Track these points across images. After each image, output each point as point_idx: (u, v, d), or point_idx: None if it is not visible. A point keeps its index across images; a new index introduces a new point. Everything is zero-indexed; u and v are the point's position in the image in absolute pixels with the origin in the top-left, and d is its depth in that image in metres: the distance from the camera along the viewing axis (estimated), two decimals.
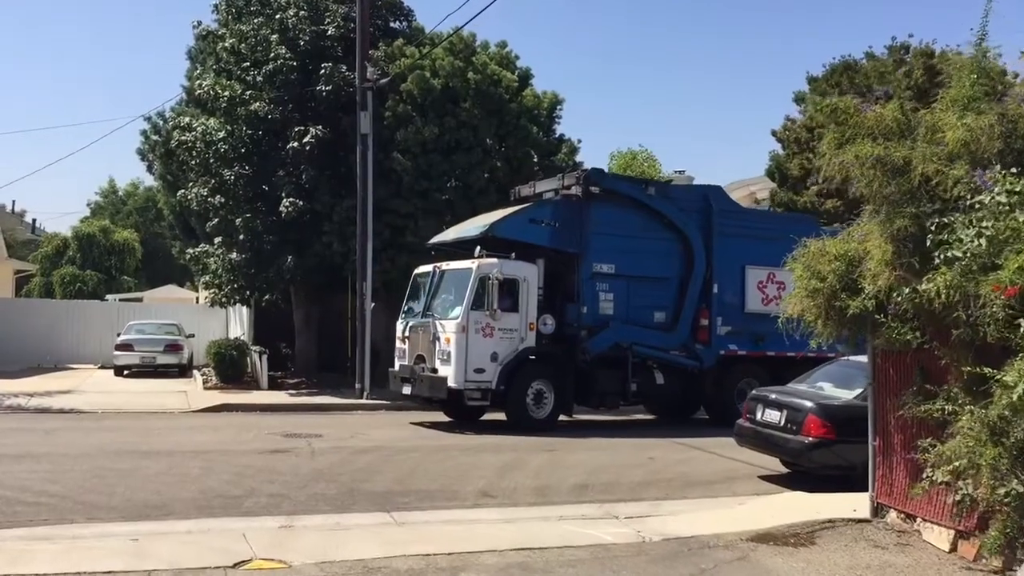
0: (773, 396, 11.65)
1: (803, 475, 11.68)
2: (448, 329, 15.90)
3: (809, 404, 11.02)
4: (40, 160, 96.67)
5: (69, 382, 23.68)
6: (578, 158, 24.76)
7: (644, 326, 17.26)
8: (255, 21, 22.76)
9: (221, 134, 22.71)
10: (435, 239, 18.88)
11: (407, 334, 17.15)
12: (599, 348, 16.70)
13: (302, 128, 21.88)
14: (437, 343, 16.10)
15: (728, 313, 17.88)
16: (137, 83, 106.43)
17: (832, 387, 11.61)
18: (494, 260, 16.07)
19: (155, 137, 30.25)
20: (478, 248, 16.32)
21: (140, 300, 39.91)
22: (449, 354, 15.73)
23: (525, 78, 23.79)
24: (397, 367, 17.46)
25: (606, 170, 21.92)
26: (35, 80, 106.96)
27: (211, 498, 9.84)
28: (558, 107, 24.13)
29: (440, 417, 17.17)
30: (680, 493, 10.94)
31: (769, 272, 18.03)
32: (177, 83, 50.64)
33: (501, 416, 16.44)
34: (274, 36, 22.41)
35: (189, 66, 29.29)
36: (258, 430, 15.33)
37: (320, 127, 21.86)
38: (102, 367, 29.23)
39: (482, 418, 16.91)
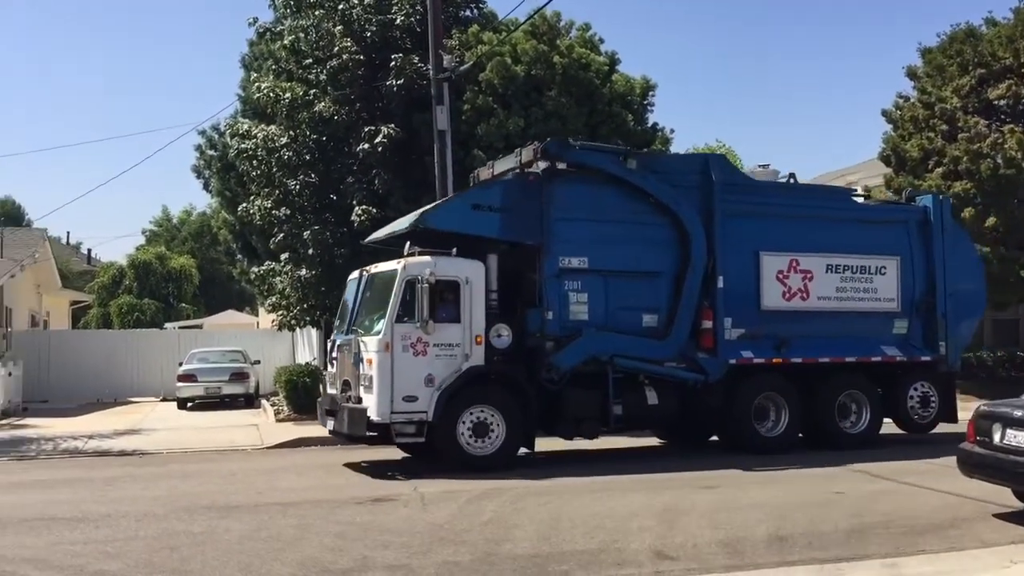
0: (1019, 413, 9.05)
1: None
2: (370, 348, 12.68)
3: None
4: (90, 183, 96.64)
5: (130, 418, 21.81)
6: (674, 149, 22.39)
7: (629, 333, 13.66)
8: (316, 14, 20.73)
9: (283, 140, 20.72)
10: (371, 237, 15.88)
11: (334, 355, 14.02)
12: (570, 363, 13.23)
13: (372, 128, 19.74)
14: (360, 366, 12.86)
15: (740, 312, 14.19)
16: (189, 102, 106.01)
17: None
18: (426, 259, 12.96)
19: (211, 152, 28.49)
20: (408, 244, 13.41)
21: (200, 327, 38.29)
22: (372, 379, 12.58)
23: (612, 63, 21.45)
24: (322, 396, 14.41)
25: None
26: (80, 100, 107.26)
27: (315, 574, 7.56)
28: (650, 93, 21.76)
29: (557, 444, 14.57)
30: (912, 545, 8.38)
31: (792, 259, 14.57)
32: (230, 96, 49.16)
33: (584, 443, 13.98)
34: (337, 28, 20.34)
35: (243, 75, 27.49)
36: (348, 471, 13.10)
37: (392, 126, 19.70)
38: (164, 399, 27.46)
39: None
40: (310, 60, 20.87)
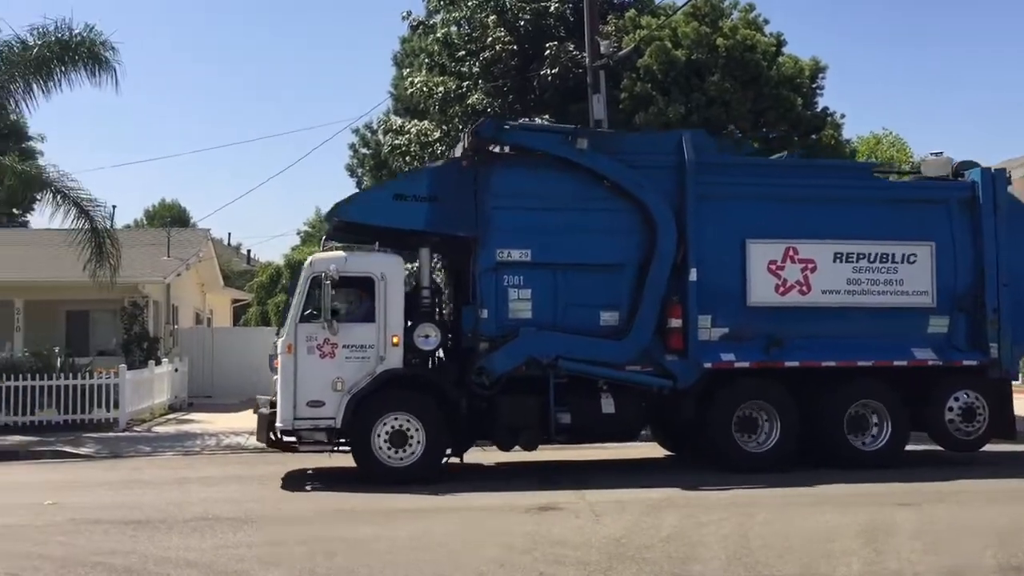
0: None
1: None
2: (278, 349, 11.98)
3: None
4: (248, 185, 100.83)
5: None
6: (844, 136, 20.96)
7: (580, 332, 12.21)
8: (469, 5, 20.44)
9: (436, 135, 20.53)
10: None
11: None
12: (504, 366, 11.94)
13: (527, 119, 19.23)
14: (274, 369, 12.16)
15: (721, 309, 12.48)
16: (342, 102, 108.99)
17: None
18: (336, 253, 12.18)
19: (364, 150, 28.77)
20: (323, 238, 12.50)
21: None
22: (277, 382, 11.85)
23: (779, 44, 20.22)
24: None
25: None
26: (236, 102, 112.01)
27: None
28: (820, 76, 20.43)
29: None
30: None
31: (788, 247, 12.59)
32: (383, 95, 49.63)
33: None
34: (490, 19, 20.01)
35: (395, 72, 27.62)
36: (511, 472, 12.60)
37: (546, 117, 19.14)
38: None
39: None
40: (463, 53, 20.66)
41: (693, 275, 12.32)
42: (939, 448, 13.42)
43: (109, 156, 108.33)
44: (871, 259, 12.83)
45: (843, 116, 21.00)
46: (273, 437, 12.01)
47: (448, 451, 12.14)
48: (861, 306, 12.82)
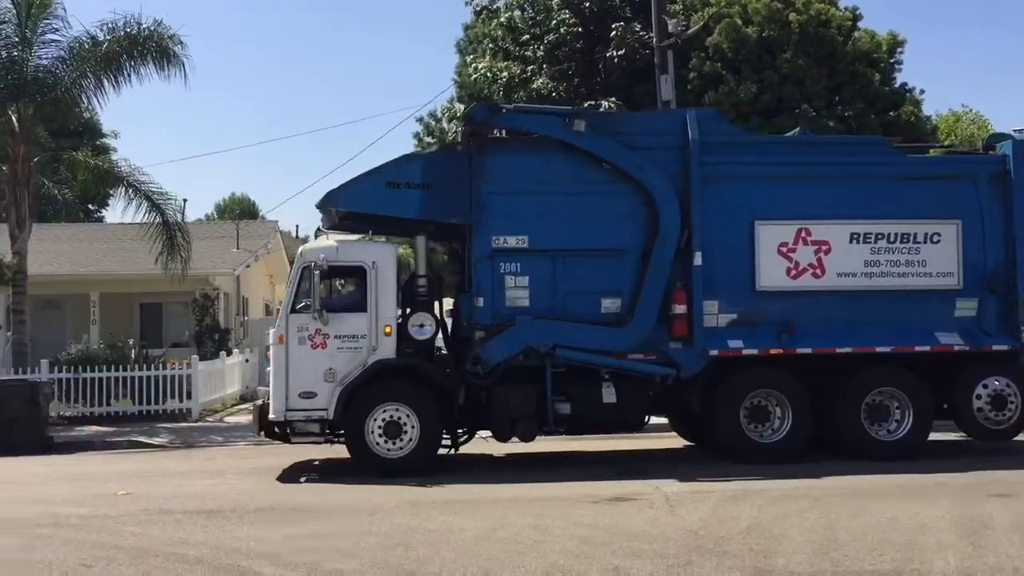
0: None
1: None
2: (270, 340, 11.88)
3: None
4: (313, 176, 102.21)
5: None
6: (924, 112, 20.20)
7: (580, 320, 11.85)
8: None
9: None
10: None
11: None
12: (499, 356, 11.64)
13: (592, 103, 18.94)
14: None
15: (729, 295, 11.96)
16: (407, 91, 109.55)
17: None
18: (327, 243, 11.98)
19: (428, 139, 28.71)
20: (317, 228, 12.41)
21: None
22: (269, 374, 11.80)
23: (854, 18, 19.62)
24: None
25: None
26: (300, 93, 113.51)
27: None
28: (898, 50, 19.73)
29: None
30: None
31: (800, 228, 11.99)
32: (447, 83, 49.77)
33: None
34: (555, 1, 19.78)
35: (459, 60, 27.47)
36: (578, 462, 12.36)
37: (612, 99, 18.84)
38: None
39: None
40: (527, 37, 20.49)
41: (698, 259, 11.87)
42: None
43: (180, 150, 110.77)
44: (891, 239, 12.15)
45: (922, 92, 20.34)
46: (275, 429, 11.95)
47: (448, 442, 12.10)
48: (880, 289, 12.18)
